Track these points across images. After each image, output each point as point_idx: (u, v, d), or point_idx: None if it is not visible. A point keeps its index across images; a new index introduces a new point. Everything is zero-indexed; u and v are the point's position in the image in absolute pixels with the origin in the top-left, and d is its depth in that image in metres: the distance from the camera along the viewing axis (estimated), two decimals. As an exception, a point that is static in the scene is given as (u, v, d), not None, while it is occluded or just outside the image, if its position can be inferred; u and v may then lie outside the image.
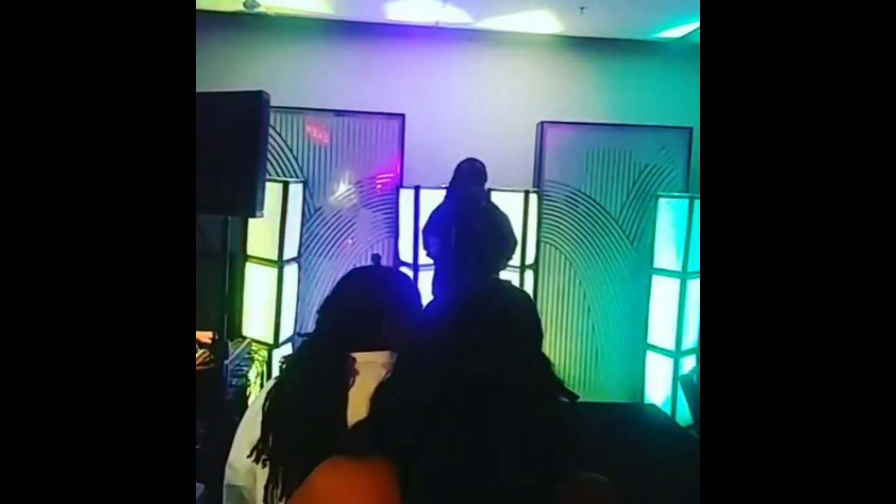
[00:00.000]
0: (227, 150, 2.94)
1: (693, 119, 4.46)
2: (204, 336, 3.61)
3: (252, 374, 3.76)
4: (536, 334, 1.02)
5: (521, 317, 1.01)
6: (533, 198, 4.74)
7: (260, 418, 1.51)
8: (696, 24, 4.50)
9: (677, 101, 4.79)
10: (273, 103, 3.13)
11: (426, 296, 1.36)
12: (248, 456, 1.48)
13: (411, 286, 1.68)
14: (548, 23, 4.79)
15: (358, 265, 2.55)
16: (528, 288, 4.81)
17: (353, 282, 1.62)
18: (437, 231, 4.11)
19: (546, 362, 0.98)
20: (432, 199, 4.30)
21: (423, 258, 4.49)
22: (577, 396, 1.00)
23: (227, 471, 1.55)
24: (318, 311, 1.59)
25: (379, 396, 0.99)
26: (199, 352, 3.56)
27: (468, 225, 3.94)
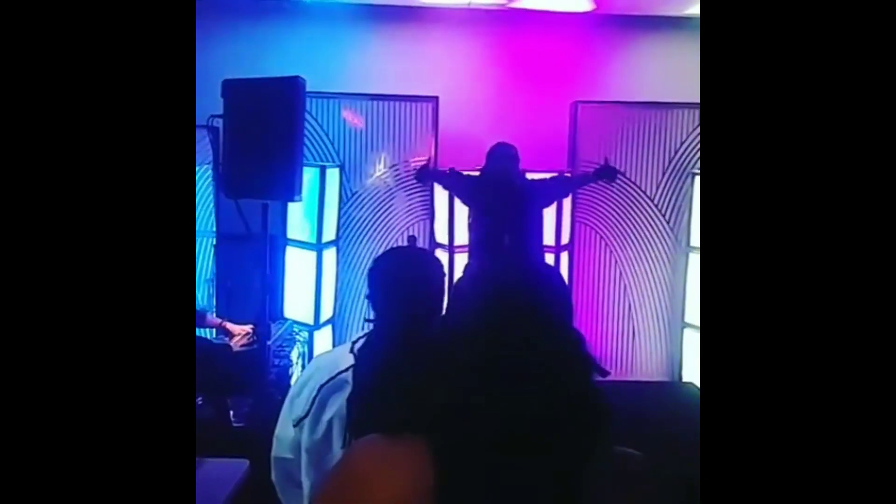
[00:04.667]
0: (265, 136, 3.00)
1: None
2: (238, 328, 3.70)
3: (294, 355, 3.84)
4: (567, 310, 1.04)
5: (551, 293, 1.03)
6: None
7: (304, 395, 1.57)
8: None
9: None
10: (309, 88, 3.18)
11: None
12: (295, 425, 1.55)
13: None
14: (579, 1, 4.76)
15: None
16: (564, 268, 4.82)
17: (412, 262, 1.66)
18: (467, 202, 4.17)
19: (578, 338, 1.00)
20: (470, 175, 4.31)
21: (459, 240, 4.52)
22: (608, 373, 1.01)
23: (274, 443, 1.63)
24: (381, 293, 1.61)
25: (417, 375, 1.02)
26: (242, 332, 3.66)
27: (501, 204, 3.96)
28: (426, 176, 4.61)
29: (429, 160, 4.66)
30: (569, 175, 4.55)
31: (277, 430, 1.63)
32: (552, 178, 4.30)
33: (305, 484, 1.55)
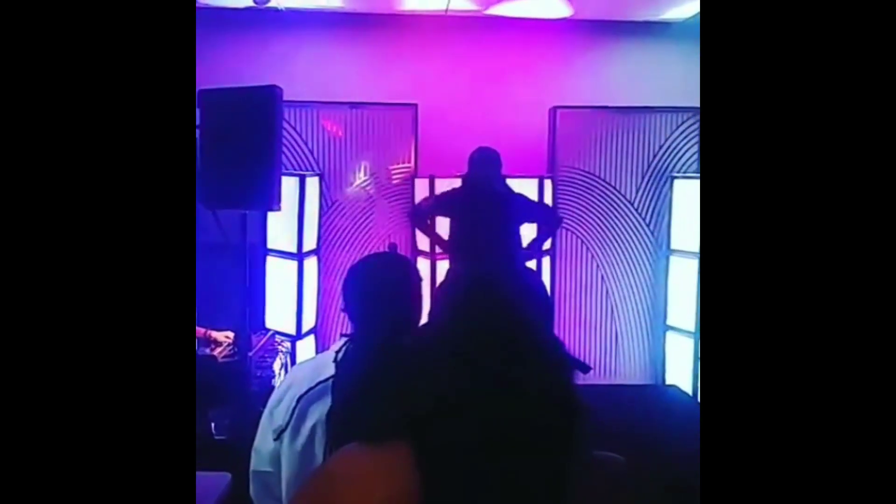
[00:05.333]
0: (242, 146, 2.98)
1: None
2: (220, 335, 3.67)
3: (276, 366, 3.81)
4: (547, 313, 1.04)
5: (530, 297, 1.03)
6: (548, 184, 4.74)
7: (284, 405, 1.55)
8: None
9: (689, 81, 4.75)
10: (286, 97, 3.16)
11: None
12: (275, 438, 1.53)
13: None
14: (557, 7, 4.78)
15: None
16: (546, 273, 4.82)
17: (385, 268, 1.64)
18: (449, 213, 4.13)
19: (557, 341, 1.01)
20: (447, 188, 4.31)
21: (440, 247, 4.51)
22: (589, 368, 1.02)
23: (253, 456, 1.60)
24: (356, 301, 1.60)
25: (396, 382, 1.01)
26: (227, 340, 3.63)
27: (483, 209, 3.95)
28: (418, 216, 4.39)
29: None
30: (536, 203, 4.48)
31: (256, 443, 1.60)
32: (532, 204, 4.24)
33: (285, 497, 1.53)
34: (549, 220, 4.26)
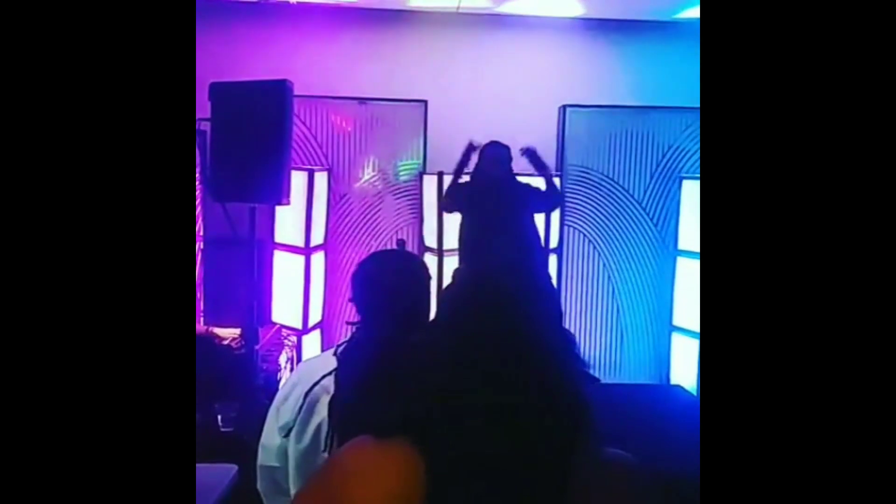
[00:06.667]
0: (252, 140, 2.99)
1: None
2: (225, 332, 3.68)
3: (282, 359, 3.83)
4: (556, 313, 1.04)
5: (537, 297, 1.03)
6: (556, 182, 4.74)
7: (290, 403, 1.56)
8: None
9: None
10: (296, 92, 3.17)
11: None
12: (285, 436, 1.53)
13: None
14: (568, 5, 4.77)
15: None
16: (553, 271, 4.82)
17: (396, 265, 1.65)
18: (460, 208, 4.13)
19: (569, 340, 1.01)
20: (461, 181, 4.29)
21: (448, 244, 4.51)
22: (598, 380, 1.02)
23: (260, 451, 1.61)
24: (365, 297, 1.61)
25: (403, 378, 1.02)
26: (230, 338, 3.64)
27: (491, 207, 3.95)
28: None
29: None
30: (558, 178, 4.53)
31: (263, 439, 1.60)
32: (543, 192, 4.25)
33: (293, 492, 1.53)
34: (553, 203, 4.37)
